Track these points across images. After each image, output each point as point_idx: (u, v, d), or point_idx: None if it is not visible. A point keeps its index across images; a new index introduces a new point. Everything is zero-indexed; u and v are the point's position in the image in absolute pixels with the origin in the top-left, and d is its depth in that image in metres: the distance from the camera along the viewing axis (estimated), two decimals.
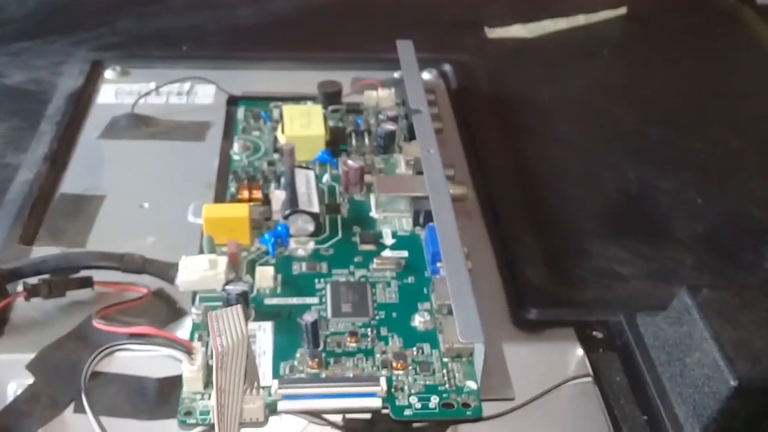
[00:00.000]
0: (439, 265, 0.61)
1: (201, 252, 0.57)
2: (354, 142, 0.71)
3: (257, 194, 0.63)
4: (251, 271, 0.57)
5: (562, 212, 0.67)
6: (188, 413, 0.50)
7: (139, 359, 0.56)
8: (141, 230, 0.64)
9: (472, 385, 0.53)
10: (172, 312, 0.57)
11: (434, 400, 0.52)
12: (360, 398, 0.52)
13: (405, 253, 0.61)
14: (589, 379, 0.55)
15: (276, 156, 0.70)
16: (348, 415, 0.53)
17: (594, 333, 0.57)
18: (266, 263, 0.59)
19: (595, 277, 0.63)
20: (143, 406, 0.54)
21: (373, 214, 0.64)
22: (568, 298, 0.62)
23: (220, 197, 0.65)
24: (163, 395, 0.54)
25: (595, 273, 0.62)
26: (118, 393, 0.53)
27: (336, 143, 0.74)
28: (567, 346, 0.57)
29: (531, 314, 0.60)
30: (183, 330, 0.58)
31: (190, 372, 0.51)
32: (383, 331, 0.57)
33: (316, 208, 0.60)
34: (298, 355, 0.55)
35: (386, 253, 0.60)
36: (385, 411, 0.52)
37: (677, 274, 0.65)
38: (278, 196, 0.63)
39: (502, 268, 0.62)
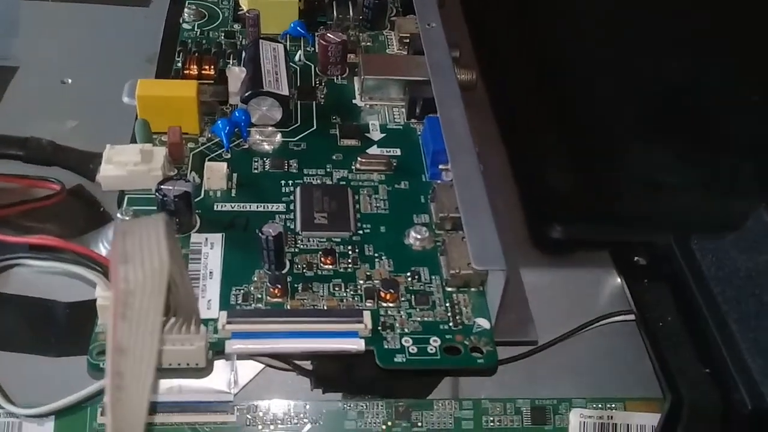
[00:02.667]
0: (441, 167, 0.48)
1: (133, 141, 0.43)
2: (335, 12, 0.59)
3: (210, 70, 0.50)
4: (198, 168, 0.46)
5: (590, 105, 0.55)
6: (103, 353, 0.37)
7: (47, 278, 0.42)
8: (60, 111, 0.53)
9: (483, 323, 0.41)
10: (92, 218, 0.44)
11: (434, 343, 0.40)
12: (336, 338, 0.39)
13: (397, 151, 0.48)
14: (631, 317, 0.44)
15: (237, 26, 0.59)
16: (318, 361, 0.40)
17: (636, 258, 0.46)
18: (218, 158, 0.46)
19: (634, 187, 0.50)
20: (48, 339, 0.41)
21: (358, 101, 0.51)
22: (601, 211, 0.49)
23: (163, 73, 0.51)
24: (75, 326, 0.41)
25: (633, 181, 0.50)
26: (14, 320, 0.42)
27: (312, 13, 0.60)
28: (601, 274, 0.47)
29: (555, 232, 0.48)
30: (104, 242, 0.44)
31: (107, 299, 0.38)
32: (368, 250, 0.44)
33: (285, 90, 0.47)
34: (255, 278, 0.42)
35: (373, 150, 0.48)
36: (368, 355, 0.39)
37: (735, 184, 0.52)
38: (237, 73, 0.49)
39: (519, 174, 0.49)
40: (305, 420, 0.42)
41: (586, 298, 0.46)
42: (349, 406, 0.42)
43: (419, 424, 0.42)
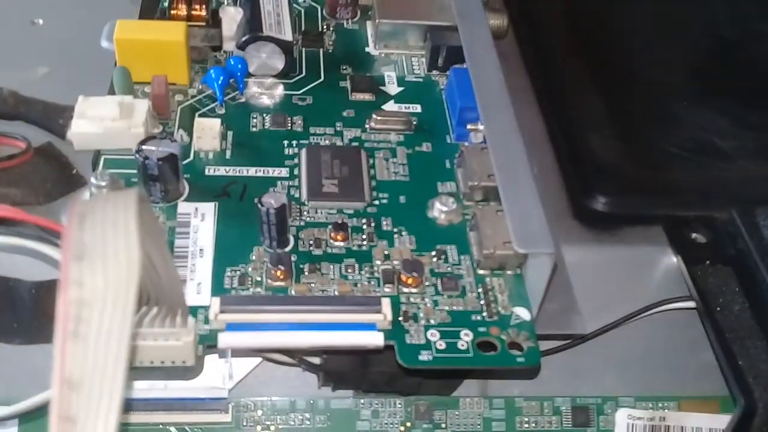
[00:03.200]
0: (469, 127, 0.41)
1: (111, 92, 0.36)
2: None
3: (201, 11, 0.43)
4: (187, 125, 0.41)
5: (636, 60, 0.47)
6: None
7: (8, 254, 0.36)
8: (29, 57, 0.47)
9: (522, 313, 0.35)
10: (62, 182, 0.37)
11: (465, 338, 0.33)
12: (350, 331, 0.33)
13: (417, 108, 0.42)
14: (690, 304, 0.37)
15: None
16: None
17: (694, 236, 0.39)
18: (211, 113, 0.41)
19: (688, 153, 0.44)
20: (10, 323, 0.35)
21: (371, 49, 0.45)
22: (651, 181, 0.43)
23: (147, 14, 0.45)
24: (42, 309, 0.35)
25: (686, 147, 0.44)
26: None
27: None
28: (654, 253, 0.41)
29: (599, 204, 0.41)
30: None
31: None
32: (385, 224, 0.38)
33: (288, 35, 0.40)
34: (253, 257, 0.35)
35: (389, 106, 0.42)
36: (386, 350, 0.33)
37: None
38: (232, 15, 0.43)
39: (555, 136, 0.42)
40: (311, 420, 0.36)
41: (635, 281, 0.40)
42: (362, 403, 0.36)
43: (443, 425, 0.37)
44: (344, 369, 0.35)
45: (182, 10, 0.45)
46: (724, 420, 0.38)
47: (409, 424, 0.37)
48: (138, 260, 0.21)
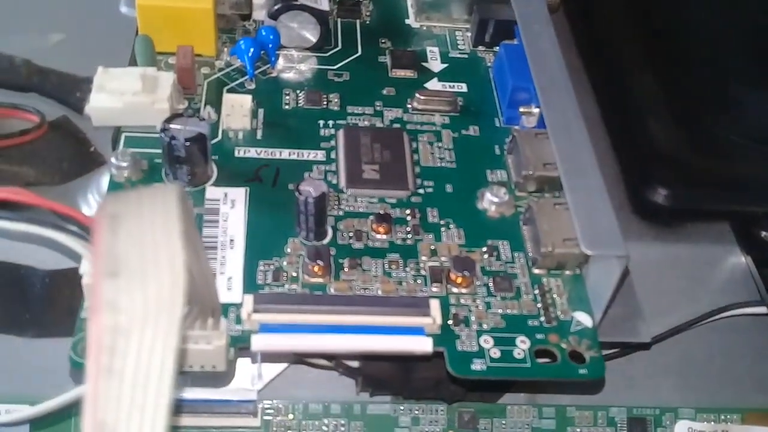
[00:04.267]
0: (522, 109, 0.38)
1: (132, 63, 0.32)
2: None
3: None
4: (214, 101, 0.37)
5: (696, 40, 0.43)
6: None
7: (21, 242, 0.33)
8: (42, 22, 0.43)
9: (584, 319, 0.31)
10: (79, 160, 0.33)
11: (522, 345, 0.30)
12: (395, 335, 0.30)
13: (462, 87, 0.38)
14: (762, 309, 0.36)
15: None
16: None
17: (764, 234, 0.35)
18: (240, 88, 0.36)
19: (753, 142, 0.40)
20: (22, 315, 0.32)
21: (412, 21, 0.40)
22: (718, 173, 0.39)
23: None
24: (57, 300, 0.32)
25: (752, 135, 0.40)
26: None
27: None
28: (720, 252, 0.39)
29: (660, 197, 0.38)
30: (95, 193, 0.34)
31: None
32: (431, 216, 0.34)
33: (324, 4, 0.37)
34: (288, 249, 0.32)
35: (433, 84, 0.37)
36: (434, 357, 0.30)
37: None
38: None
39: (612, 122, 0.38)
40: (345, 425, 0.33)
41: (699, 282, 0.37)
42: (401, 409, 0.34)
43: None
44: (385, 374, 0.32)
45: None
46: None
47: None
48: (183, 276, 0.18)
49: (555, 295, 0.32)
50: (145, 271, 0.17)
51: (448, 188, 0.36)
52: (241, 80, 0.39)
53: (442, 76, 0.41)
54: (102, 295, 0.17)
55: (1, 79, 0.36)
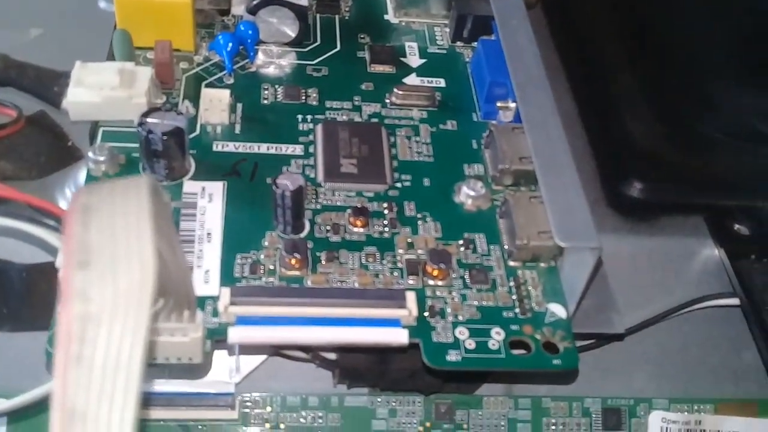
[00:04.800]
0: (499, 104, 0.38)
1: (110, 58, 0.32)
2: None
3: None
4: (193, 96, 0.37)
5: (675, 35, 0.43)
6: None
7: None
8: (20, 17, 0.44)
9: (558, 310, 0.32)
10: (57, 154, 0.33)
11: (497, 336, 0.31)
12: (371, 327, 0.30)
13: (441, 82, 0.38)
14: (734, 301, 0.35)
15: None
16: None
17: (737, 227, 0.36)
18: (219, 83, 0.36)
19: (730, 137, 0.41)
20: (1, 308, 0.32)
21: (390, 17, 0.41)
22: (692, 167, 0.40)
23: None
24: (34, 293, 0.32)
25: (728, 131, 0.41)
26: None
27: None
28: (695, 245, 0.39)
29: (635, 191, 0.39)
30: (72, 187, 0.35)
31: None
32: (408, 209, 0.35)
33: None
34: (266, 243, 0.33)
35: (411, 79, 0.38)
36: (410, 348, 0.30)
37: None
38: None
39: (588, 116, 0.39)
40: (323, 418, 0.33)
41: (673, 275, 0.38)
42: (379, 401, 0.34)
43: (464, 425, 0.35)
44: (362, 366, 0.33)
45: None
46: (763, 424, 0.36)
47: (428, 424, 0.35)
48: (153, 266, 0.18)
49: (530, 287, 0.33)
50: (115, 262, 0.18)
51: (426, 182, 0.36)
52: (219, 75, 0.39)
53: (421, 71, 0.41)
54: (72, 284, 0.17)
55: None
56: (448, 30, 0.44)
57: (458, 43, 0.43)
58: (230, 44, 0.39)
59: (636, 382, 0.36)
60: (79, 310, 0.17)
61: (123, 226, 0.18)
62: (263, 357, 0.33)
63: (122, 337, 0.17)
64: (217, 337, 0.30)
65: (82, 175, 0.35)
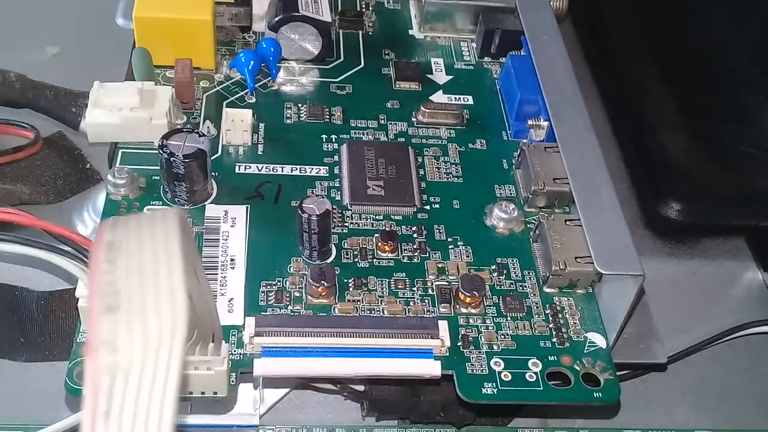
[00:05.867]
0: (530, 122, 0.36)
1: (129, 78, 0.31)
2: None
3: None
4: (214, 115, 0.36)
5: (707, 48, 0.42)
6: None
7: (13, 260, 0.32)
8: (37, 35, 0.43)
9: (597, 340, 0.30)
10: (75, 177, 0.32)
11: (534, 368, 0.29)
12: (403, 359, 0.29)
13: (468, 99, 0.37)
14: None
15: None
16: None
17: None
18: (240, 102, 0.34)
19: None
20: (15, 338, 0.31)
21: (415, 32, 0.40)
22: (732, 187, 0.38)
23: None
24: (51, 322, 0.31)
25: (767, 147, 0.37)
26: None
27: None
28: (737, 268, 0.38)
29: (673, 211, 0.37)
30: (90, 211, 0.33)
31: None
32: (438, 233, 0.33)
33: (326, 15, 0.35)
34: (291, 269, 0.31)
35: (438, 96, 0.36)
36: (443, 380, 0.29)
37: None
38: None
39: (621, 134, 0.37)
40: None
41: (714, 300, 0.36)
42: None
43: None
44: (391, 397, 0.31)
45: None
46: None
47: None
48: (185, 308, 0.17)
49: (567, 315, 0.31)
50: (144, 306, 0.16)
51: (455, 204, 0.35)
52: (241, 94, 0.38)
53: (448, 88, 0.40)
54: (100, 333, 0.16)
55: None
56: (474, 45, 0.42)
57: (486, 59, 0.42)
58: (252, 62, 0.38)
59: (678, 413, 0.34)
60: (106, 361, 0.16)
61: (152, 265, 0.17)
62: (288, 388, 0.32)
63: (153, 390, 0.15)
64: (242, 369, 0.28)
65: (101, 199, 0.34)
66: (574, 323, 0.31)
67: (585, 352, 0.30)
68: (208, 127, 0.36)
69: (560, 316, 0.31)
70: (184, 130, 0.33)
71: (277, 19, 0.39)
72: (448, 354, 0.29)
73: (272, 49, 0.39)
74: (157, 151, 0.32)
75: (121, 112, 0.34)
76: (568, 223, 0.32)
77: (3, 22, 0.42)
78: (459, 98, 0.40)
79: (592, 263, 0.30)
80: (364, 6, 0.44)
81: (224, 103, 0.38)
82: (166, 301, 0.16)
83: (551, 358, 0.30)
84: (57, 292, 0.32)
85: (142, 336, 0.16)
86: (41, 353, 0.32)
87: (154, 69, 0.37)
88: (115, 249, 0.17)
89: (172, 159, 0.32)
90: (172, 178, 0.32)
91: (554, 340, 0.30)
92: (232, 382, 0.28)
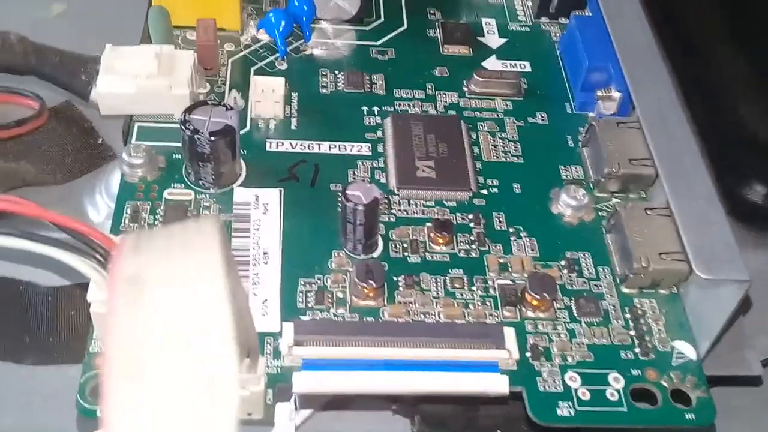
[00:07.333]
0: (599, 93, 0.32)
1: (146, 39, 0.27)
2: None
3: None
4: (240, 83, 0.32)
5: None
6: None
7: (16, 253, 0.28)
8: None
9: (686, 349, 0.26)
10: (86, 154, 0.28)
11: (615, 384, 0.25)
12: (464, 373, 0.25)
13: (525, 65, 0.32)
14: None
15: None
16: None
17: None
18: (270, 69, 0.31)
19: None
20: (20, 338, 0.29)
21: None
22: None
23: None
24: (60, 320, 0.28)
25: None
26: None
27: None
28: None
29: (758, 195, 0.33)
30: (103, 193, 0.30)
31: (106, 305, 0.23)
32: (498, 222, 0.29)
33: None
34: (332, 264, 0.27)
35: (492, 63, 0.32)
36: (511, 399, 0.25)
37: None
38: None
39: (697, 109, 0.33)
40: None
41: None
42: None
43: None
44: (445, 412, 0.27)
45: None
46: None
47: None
48: (235, 351, 0.12)
49: (650, 320, 0.27)
50: (179, 387, 0.12)
51: (516, 188, 0.31)
52: (270, 59, 0.34)
53: (501, 53, 0.36)
54: (118, 407, 0.12)
55: None
56: (530, 3, 0.38)
57: (543, 19, 0.37)
58: (283, 22, 0.34)
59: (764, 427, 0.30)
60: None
61: (190, 308, 0.13)
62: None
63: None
64: (279, 385, 0.25)
65: (114, 180, 0.30)
66: (659, 330, 0.27)
67: (673, 364, 0.26)
68: (234, 98, 0.32)
69: (642, 321, 0.27)
70: (209, 102, 0.28)
71: None
72: (515, 367, 0.25)
73: (305, 7, 0.34)
74: (178, 126, 0.28)
75: (137, 79, 0.30)
76: (648, 212, 0.28)
77: None
78: (515, 65, 0.35)
79: (681, 261, 0.26)
80: None
81: (252, 69, 0.33)
82: (217, 336, 0.12)
83: (635, 372, 0.26)
84: (66, 287, 0.29)
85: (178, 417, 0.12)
86: (49, 356, 0.28)
87: (173, 30, 0.33)
88: (141, 286, 0.13)
89: (196, 137, 0.27)
90: (196, 158, 0.28)
91: (637, 350, 0.26)
92: (269, 401, 0.24)
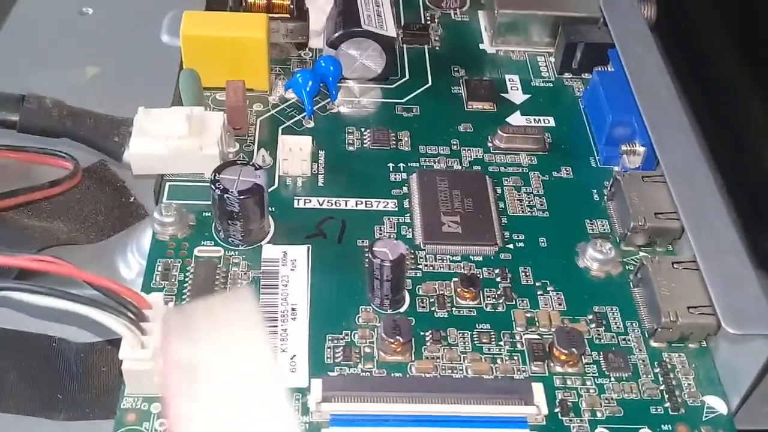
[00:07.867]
0: (624, 148, 0.32)
1: (177, 101, 0.28)
2: None
3: (283, 0, 0.33)
4: (268, 142, 0.32)
5: None
6: None
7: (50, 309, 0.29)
8: (75, 54, 0.39)
9: (717, 404, 0.26)
10: (119, 213, 0.29)
11: None
12: (493, 429, 0.24)
13: (549, 121, 0.32)
14: None
15: None
16: None
17: None
18: (297, 128, 0.31)
19: None
20: (52, 395, 0.29)
21: (486, 46, 0.36)
22: None
23: (218, 3, 0.39)
24: (92, 377, 0.28)
25: None
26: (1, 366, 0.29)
27: None
28: None
29: None
30: (135, 252, 0.30)
31: (139, 360, 0.24)
32: (525, 277, 0.29)
33: (391, 29, 0.31)
34: (360, 320, 0.27)
35: (516, 118, 0.32)
36: None
37: None
38: (321, 5, 0.34)
39: (720, 154, 0.33)
40: None
41: None
42: None
43: None
44: None
45: (262, 0, 0.37)
46: None
47: None
48: None
49: (680, 374, 0.27)
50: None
51: (542, 242, 0.31)
52: (298, 117, 0.35)
53: (525, 108, 0.36)
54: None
55: (30, 121, 0.31)
56: (553, 60, 0.38)
57: (566, 75, 0.38)
58: (310, 82, 0.35)
59: None
60: None
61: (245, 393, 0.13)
62: None
63: None
64: None
65: (146, 238, 0.31)
66: (689, 384, 0.27)
67: (704, 420, 0.26)
68: (263, 156, 0.33)
69: (672, 375, 0.27)
70: (239, 162, 0.29)
71: (337, 34, 0.35)
72: (544, 423, 0.25)
73: (332, 67, 0.35)
74: (208, 184, 0.29)
75: (168, 141, 0.31)
76: (676, 265, 0.28)
77: (38, 41, 0.39)
78: (539, 120, 0.36)
79: (710, 315, 0.26)
80: (429, 18, 0.41)
81: (280, 128, 0.34)
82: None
83: (665, 428, 0.26)
84: (98, 344, 0.29)
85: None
86: (81, 411, 0.29)
87: (203, 92, 0.34)
88: (194, 373, 0.13)
89: (225, 195, 0.28)
90: (225, 216, 0.29)
91: (667, 405, 0.26)
92: None
